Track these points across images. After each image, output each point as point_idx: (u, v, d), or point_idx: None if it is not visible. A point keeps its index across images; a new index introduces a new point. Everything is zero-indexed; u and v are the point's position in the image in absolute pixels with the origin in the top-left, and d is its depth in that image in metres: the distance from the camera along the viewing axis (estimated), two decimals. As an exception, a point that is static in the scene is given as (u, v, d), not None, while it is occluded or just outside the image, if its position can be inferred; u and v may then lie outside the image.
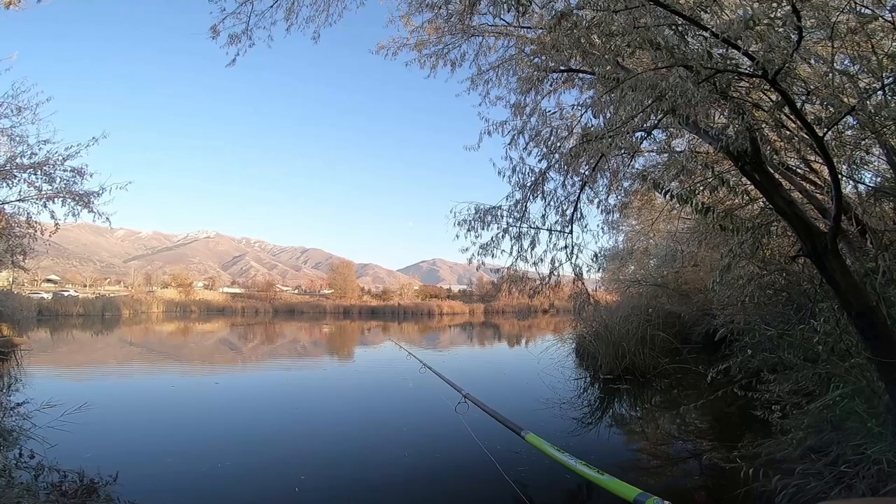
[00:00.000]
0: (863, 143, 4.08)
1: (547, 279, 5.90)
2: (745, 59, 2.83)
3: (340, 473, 4.49)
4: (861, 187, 5.18)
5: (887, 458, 2.62)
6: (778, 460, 3.38)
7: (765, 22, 1.97)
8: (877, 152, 4.65)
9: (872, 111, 3.47)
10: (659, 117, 2.77)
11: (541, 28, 4.67)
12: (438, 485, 4.31)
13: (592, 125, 4.23)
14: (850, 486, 2.65)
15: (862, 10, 2.92)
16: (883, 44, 3.54)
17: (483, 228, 5.81)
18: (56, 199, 7.67)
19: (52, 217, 7.57)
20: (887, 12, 3.12)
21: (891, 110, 3.41)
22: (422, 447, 5.29)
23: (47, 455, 3.92)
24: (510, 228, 5.80)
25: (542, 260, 5.82)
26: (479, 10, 3.83)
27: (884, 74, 3.63)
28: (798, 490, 2.81)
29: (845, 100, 3.25)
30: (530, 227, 5.79)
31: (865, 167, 4.82)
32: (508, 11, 2.55)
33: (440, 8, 4.50)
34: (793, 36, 2.04)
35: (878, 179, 5.24)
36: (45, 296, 42.31)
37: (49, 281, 62.48)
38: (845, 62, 3.53)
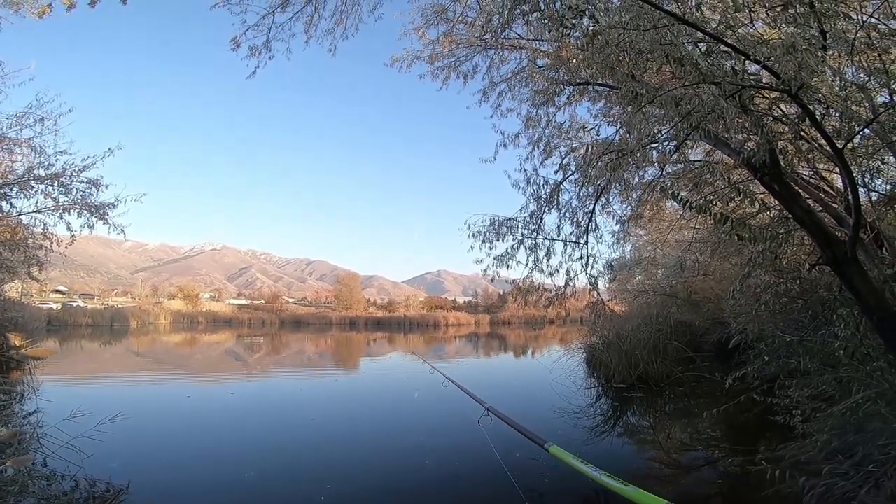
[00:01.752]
0: (878, 152, 4.14)
1: (563, 290, 5.93)
2: (762, 73, 2.94)
3: (365, 485, 4.52)
4: (873, 195, 5.23)
5: (914, 458, 2.66)
6: (803, 463, 3.41)
7: (804, 47, 2.06)
8: (889, 161, 4.70)
9: (885, 122, 3.54)
10: (687, 132, 2.85)
11: (555, 41, 4.79)
12: (459, 499, 4.32)
13: (610, 137, 4.33)
14: (878, 485, 2.68)
15: (879, 27, 3.02)
16: (894, 58, 3.61)
17: (498, 240, 5.86)
18: (72, 211, 7.77)
19: (69, 228, 7.64)
20: None
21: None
22: (443, 460, 5.28)
23: (62, 464, 3.97)
24: (525, 240, 5.85)
25: (557, 271, 5.86)
26: (513, 29, 3.94)
27: (893, 87, 3.71)
28: (827, 490, 2.84)
29: (861, 111, 3.32)
30: (545, 238, 5.85)
31: (878, 175, 4.87)
32: (550, 32, 2.66)
33: (465, 24, 4.63)
34: (819, 55, 2.13)
35: (888, 187, 5.28)
36: (53, 306, 42.61)
37: (57, 292, 62.78)
38: (860, 75, 3.61)
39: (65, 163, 7.56)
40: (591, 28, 2.35)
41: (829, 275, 4.55)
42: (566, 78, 4.71)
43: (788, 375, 4.60)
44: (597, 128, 5.47)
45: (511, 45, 5.76)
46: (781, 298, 6.05)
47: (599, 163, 4.22)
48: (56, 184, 7.74)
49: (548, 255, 5.88)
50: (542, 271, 5.90)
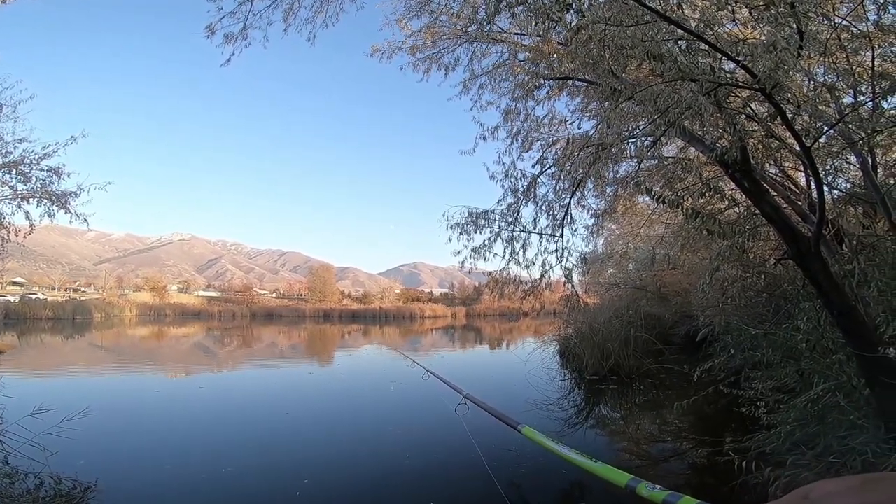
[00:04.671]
0: (842, 152, 4.31)
1: (538, 282, 6.00)
2: (738, 72, 3.02)
3: (342, 478, 4.51)
4: (835, 193, 5.44)
5: (871, 448, 2.81)
6: (767, 453, 3.56)
7: (782, 47, 2.12)
8: (851, 160, 4.89)
9: (850, 122, 3.69)
10: (664, 128, 2.91)
11: (537, 35, 4.79)
12: (436, 486, 4.35)
13: (589, 132, 4.38)
14: (839, 475, 2.81)
15: (852, 29, 3.14)
16: (861, 59, 3.75)
17: (476, 232, 5.89)
18: (31, 199, 7.43)
19: (28, 217, 7.32)
20: (870, 24, 3.34)
21: (865, 122, 3.64)
22: (422, 450, 5.30)
23: (25, 462, 3.85)
24: (502, 232, 5.89)
25: (533, 263, 5.93)
26: (496, 22, 3.92)
27: (860, 89, 3.88)
28: (791, 480, 2.96)
29: (828, 112, 3.45)
30: (522, 231, 5.90)
31: (840, 174, 5.06)
32: (536, 25, 2.66)
33: (448, 15, 4.58)
34: (795, 54, 2.20)
35: (848, 185, 5.49)
36: (11, 299, 40.85)
37: (15, 283, 60.23)
38: (828, 76, 3.75)
39: (24, 150, 7.17)
40: (575, 22, 2.37)
41: (793, 270, 4.73)
42: (546, 72, 4.73)
43: (753, 368, 4.78)
44: (577, 122, 5.52)
45: (493, 39, 5.72)
46: (747, 292, 6.27)
47: (577, 157, 4.27)
48: (14, 172, 7.35)
49: (524, 248, 5.94)
50: (519, 263, 5.96)
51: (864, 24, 3.37)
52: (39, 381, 10.14)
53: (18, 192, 7.40)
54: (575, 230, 6.09)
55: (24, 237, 7.67)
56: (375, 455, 5.20)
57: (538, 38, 4.45)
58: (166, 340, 23.06)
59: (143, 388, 9.57)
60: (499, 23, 4.75)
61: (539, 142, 5.80)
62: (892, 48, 3.52)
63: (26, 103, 7.40)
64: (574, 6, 2.53)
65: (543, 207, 5.88)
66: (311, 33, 5.40)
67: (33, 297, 46.69)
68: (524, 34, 5.13)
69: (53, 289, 64.69)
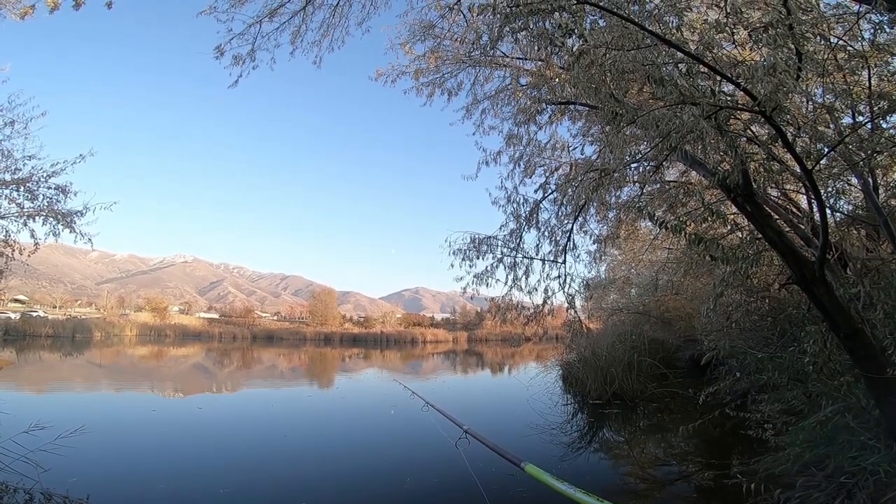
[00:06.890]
0: (843, 174, 4.33)
1: (540, 308, 5.95)
2: (737, 94, 3.07)
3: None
4: (837, 216, 5.43)
5: (883, 468, 2.76)
6: (777, 475, 3.49)
7: (782, 69, 2.18)
8: (853, 182, 4.90)
9: (850, 145, 3.73)
10: (666, 153, 2.95)
11: (539, 60, 4.89)
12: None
13: (591, 157, 4.44)
14: (850, 496, 2.76)
15: (848, 48, 3.20)
16: (858, 79, 3.81)
17: (478, 258, 5.85)
18: (37, 218, 7.47)
19: (33, 236, 7.33)
20: (865, 43, 3.41)
21: (865, 143, 3.68)
22: (420, 481, 5.15)
23: (16, 477, 3.82)
24: (505, 258, 5.87)
25: (535, 289, 5.88)
26: (498, 47, 4.01)
27: (859, 109, 3.93)
28: (801, 501, 2.90)
29: (828, 133, 3.50)
30: (525, 257, 5.88)
31: (842, 196, 5.07)
32: (539, 50, 2.73)
33: (451, 39, 4.70)
34: (794, 76, 2.25)
35: (850, 207, 5.49)
36: (12, 315, 40.82)
37: (16, 301, 60.23)
38: (827, 96, 3.81)
39: (32, 168, 7.25)
40: (577, 47, 2.43)
41: (797, 293, 4.71)
42: (548, 97, 4.81)
43: (759, 390, 4.71)
44: (580, 148, 5.58)
45: (496, 63, 5.82)
46: (751, 316, 6.23)
47: (580, 182, 4.30)
48: (22, 189, 7.42)
49: (526, 274, 5.89)
50: (521, 289, 5.91)
51: (859, 43, 3.44)
52: (36, 398, 10.03)
53: (25, 210, 7.48)
54: (577, 256, 6.06)
55: (29, 256, 7.71)
56: (373, 484, 5.07)
57: (540, 63, 4.55)
58: (165, 360, 22.88)
59: (141, 407, 9.46)
60: (501, 48, 4.86)
61: (541, 167, 5.84)
62: (889, 67, 3.58)
63: (38, 120, 7.54)
64: (576, 31, 2.60)
65: (546, 233, 5.87)
66: (317, 56, 5.55)
67: (34, 314, 46.61)
68: (526, 59, 5.24)
69: (55, 307, 64.57)
